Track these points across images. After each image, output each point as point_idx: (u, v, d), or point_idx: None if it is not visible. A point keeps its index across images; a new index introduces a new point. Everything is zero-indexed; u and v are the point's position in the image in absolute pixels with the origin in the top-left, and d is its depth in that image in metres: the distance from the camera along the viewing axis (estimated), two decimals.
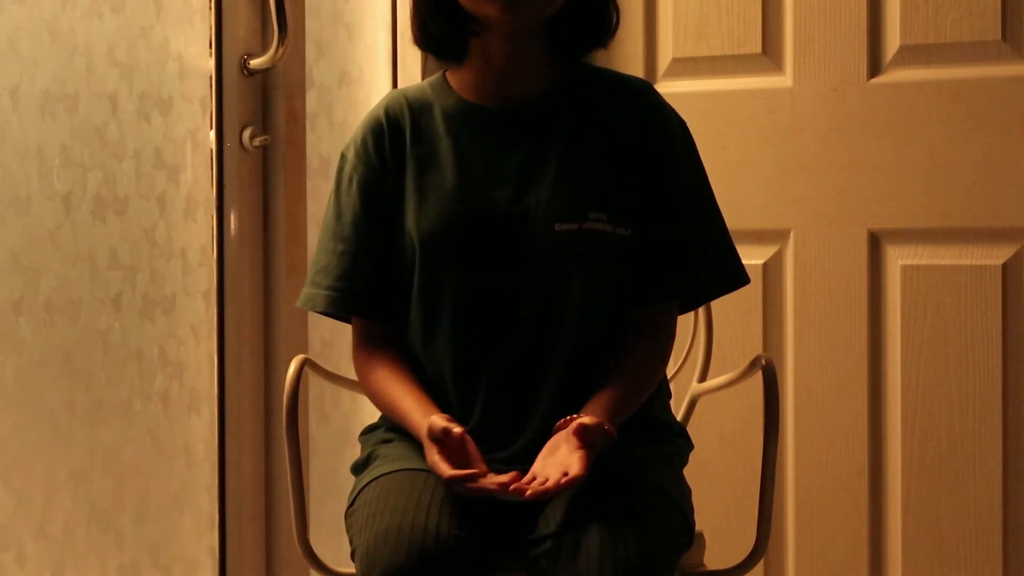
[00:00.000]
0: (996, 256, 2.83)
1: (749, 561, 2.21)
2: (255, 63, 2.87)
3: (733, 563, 2.21)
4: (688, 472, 2.22)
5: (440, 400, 2.12)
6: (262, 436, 2.93)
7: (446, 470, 1.95)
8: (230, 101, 2.86)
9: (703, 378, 2.56)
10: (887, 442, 2.92)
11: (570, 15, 2.12)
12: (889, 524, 2.92)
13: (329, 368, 2.45)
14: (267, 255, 2.93)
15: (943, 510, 2.86)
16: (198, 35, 2.87)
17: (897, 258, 2.90)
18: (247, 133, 2.88)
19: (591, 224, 2.10)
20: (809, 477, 2.97)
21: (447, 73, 2.21)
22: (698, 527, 2.19)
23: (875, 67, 2.92)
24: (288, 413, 2.20)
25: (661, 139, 2.15)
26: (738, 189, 2.95)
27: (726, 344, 2.91)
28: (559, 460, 1.96)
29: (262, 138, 2.89)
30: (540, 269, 2.10)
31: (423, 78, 3.04)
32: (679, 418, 2.48)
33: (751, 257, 2.91)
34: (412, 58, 3.15)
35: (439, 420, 1.99)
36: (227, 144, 2.86)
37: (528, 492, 1.91)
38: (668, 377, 2.26)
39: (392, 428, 2.20)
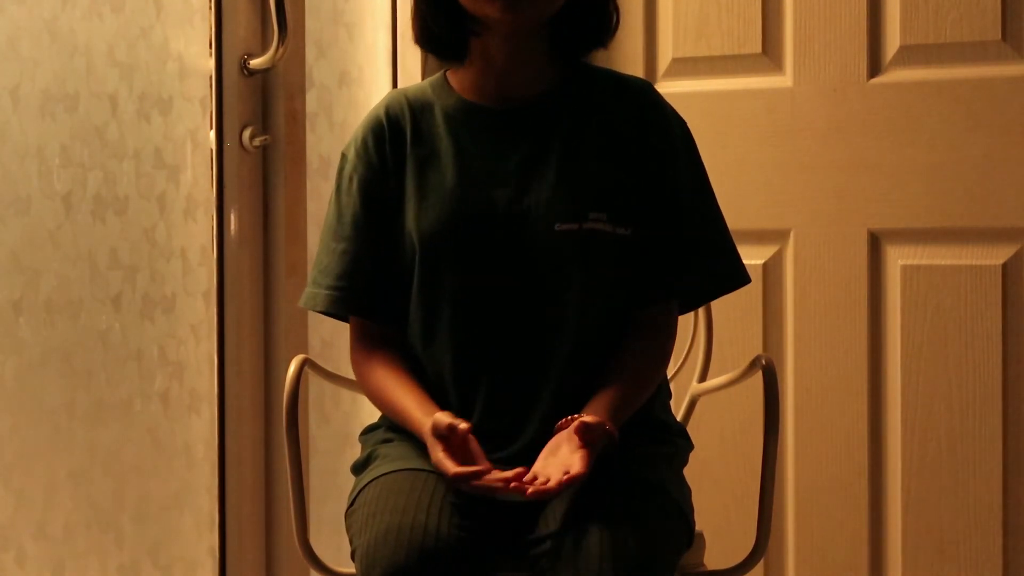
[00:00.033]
0: (996, 256, 2.83)
1: (749, 561, 2.21)
2: (255, 63, 2.87)
3: (733, 563, 2.21)
4: (688, 472, 2.22)
5: (440, 400, 2.12)
6: (262, 436, 2.93)
7: (451, 467, 1.95)
8: (230, 101, 2.86)
9: (703, 378, 2.56)
10: (887, 442, 2.92)
11: (570, 15, 2.12)
12: (889, 524, 2.92)
13: (329, 368, 2.45)
14: (267, 255, 2.93)
15: (943, 510, 2.86)
16: (198, 35, 2.87)
17: (897, 258, 2.90)
18: (247, 133, 2.88)
19: (591, 224, 2.10)
20: (809, 477, 2.97)
21: (447, 73, 2.22)
22: (698, 527, 2.19)
23: (875, 67, 2.92)
24: (288, 413, 2.20)
25: (661, 139, 2.15)
26: (738, 189, 2.95)
27: (726, 344, 2.91)
28: (560, 460, 1.96)
29: (262, 138, 2.89)
30: (540, 269, 2.10)
31: (423, 78, 3.04)
32: (679, 418, 2.48)
33: (751, 257, 2.91)
34: (412, 58, 3.15)
35: (444, 417, 2.00)
36: (227, 144, 2.86)
37: (529, 491, 1.91)
38: (668, 377, 2.26)
39: (392, 428, 2.20)
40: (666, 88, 2.88)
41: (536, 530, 2.01)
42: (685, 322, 2.28)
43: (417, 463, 2.08)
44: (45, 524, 2.63)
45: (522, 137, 2.14)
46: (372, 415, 2.30)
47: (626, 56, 3.08)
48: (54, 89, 2.64)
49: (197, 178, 2.88)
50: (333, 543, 2.91)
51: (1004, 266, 2.82)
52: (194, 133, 2.87)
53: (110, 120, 2.73)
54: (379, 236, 2.17)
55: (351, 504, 2.11)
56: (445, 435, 1.98)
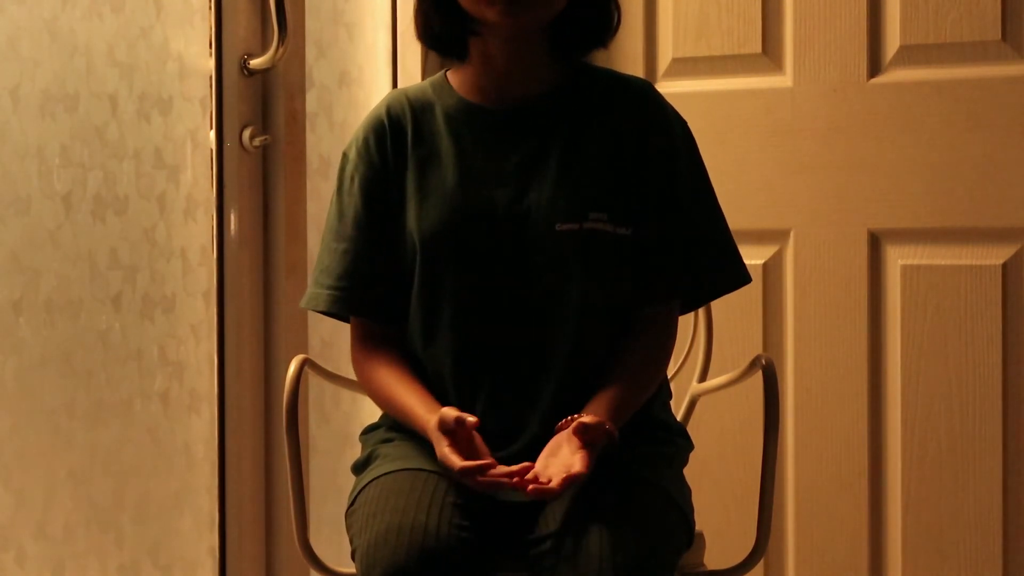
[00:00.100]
0: (996, 256, 2.83)
1: (749, 561, 2.21)
2: (255, 63, 2.87)
3: (733, 563, 2.21)
4: (688, 472, 2.22)
5: (440, 399, 2.12)
6: (262, 436, 2.92)
7: (457, 462, 1.95)
8: (230, 101, 2.86)
9: (703, 378, 2.56)
10: (887, 442, 2.91)
11: (571, 15, 2.12)
12: (889, 524, 2.92)
13: (329, 368, 2.45)
14: (267, 255, 2.93)
15: (943, 510, 2.86)
16: (198, 35, 2.87)
17: (897, 258, 2.90)
18: (247, 133, 2.88)
19: (592, 224, 2.10)
20: (809, 477, 2.97)
21: (448, 73, 2.22)
22: (698, 527, 2.19)
23: (875, 67, 2.92)
24: (288, 413, 2.20)
25: (662, 139, 2.15)
26: (738, 189, 2.95)
27: (726, 344, 2.91)
28: (561, 460, 1.96)
29: (262, 138, 2.89)
30: (541, 269, 2.10)
31: (423, 78, 3.04)
32: (679, 418, 2.48)
33: (751, 257, 2.91)
34: (412, 58, 3.15)
35: (451, 411, 2.00)
36: (227, 144, 2.86)
37: (530, 489, 1.91)
38: (668, 377, 2.25)
39: (393, 428, 2.20)
40: (666, 88, 2.88)
41: (536, 530, 2.01)
42: (685, 322, 2.28)
43: (417, 463, 2.08)
44: (45, 524, 2.63)
45: (523, 137, 2.14)
46: (372, 415, 2.30)
47: (626, 56, 3.08)
48: (54, 89, 2.64)
49: (197, 178, 2.88)
50: (333, 543, 2.91)
51: (1004, 266, 2.82)
52: (194, 133, 2.87)
53: (110, 120, 2.73)
54: (380, 236, 2.17)
55: (351, 504, 2.11)
56: (452, 430, 1.99)
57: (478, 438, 2.01)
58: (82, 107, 2.68)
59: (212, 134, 2.87)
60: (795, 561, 2.99)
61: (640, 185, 2.13)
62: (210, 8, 2.86)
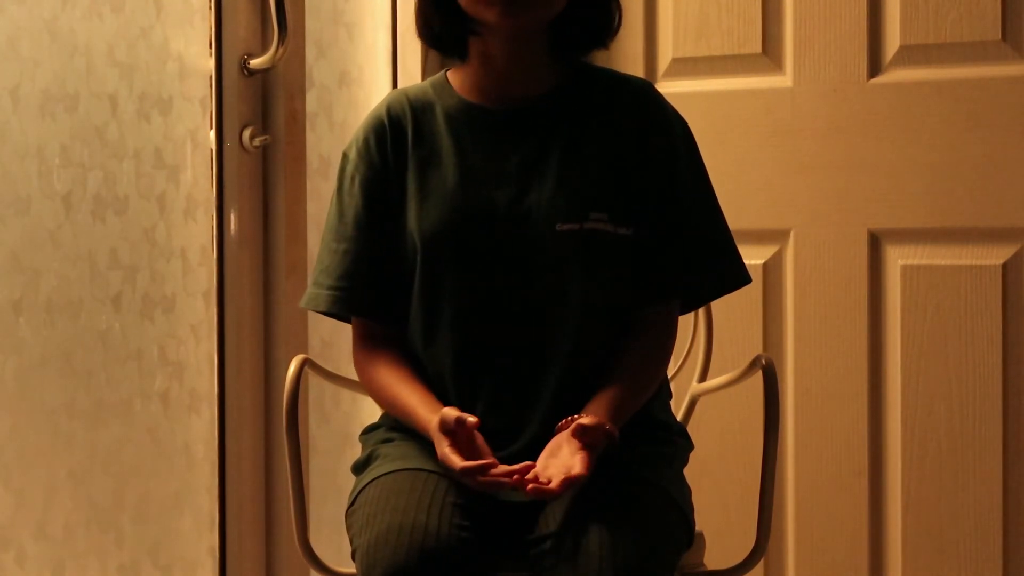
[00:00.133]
0: (996, 256, 2.83)
1: (749, 561, 2.21)
2: (255, 63, 2.87)
3: (733, 563, 2.21)
4: (688, 472, 2.22)
5: (441, 399, 2.12)
6: (262, 436, 2.92)
7: (458, 462, 1.95)
8: (230, 101, 2.86)
9: (703, 378, 2.56)
10: (887, 442, 2.91)
11: (572, 15, 2.12)
12: (889, 524, 2.92)
13: (329, 368, 2.45)
14: (267, 255, 2.93)
15: (943, 510, 2.86)
16: (198, 35, 2.87)
17: (897, 258, 2.90)
18: (247, 133, 2.88)
19: (592, 224, 2.10)
20: (809, 477, 2.97)
21: (448, 73, 2.22)
22: (698, 527, 2.19)
23: (875, 67, 2.92)
24: (288, 413, 2.20)
25: (662, 139, 2.15)
26: (738, 189, 2.95)
27: (726, 344, 2.91)
28: (561, 461, 1.96)
29: (262, 138, 2.89)
30: (541, 269, 2.10)
31: (423, 78, 3.04)
32: (679, 418, 2.48)
33: (751, 257, 2.91)
34: (412, 58, 3.15)
35: (452, 411, 2.00)
36: (227, 144, 2.86)
37: (529, 487, 1.91)
38: (668, 377, 2.25)
39: (393, 428, 2.20)
40: (666, 88, 2.88)
41: (536, 530, 2.01)
42: (685, 322, 2.28)
43: (418, 463, 2.08)
44: (45, 524, 2.63)
45: (523, 137, 2.14)
46: (372, 415, 2.30)
47: (626, 56, 3.08)
48: (54, 89, 2.64)
49: (197, 178, 2.88)
50: (333, 543, 2.91)
51: (1004, 266, 2.82)
52: (194, 133, 2.87)
53: (110, 120, 2.73)
54: (381, 236, 2.17)
55: (351, 504, 2.11)
56: (453, 430, 1.99)
57: (479, 438, 2.01)
58: (82, 107, 2.68)
59: (212, 134, 2.87)
60: (795, 561, 2.99)
61: (640, 185, 2.13)
62: (210, 8, 2.86)
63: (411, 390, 2.12)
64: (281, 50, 2.84)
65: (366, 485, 2.09)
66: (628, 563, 1.92)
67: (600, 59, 2.24)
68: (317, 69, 3.06)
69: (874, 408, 2.92)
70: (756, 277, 2.93)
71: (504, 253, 2.11)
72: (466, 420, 1.98)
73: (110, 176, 2.73)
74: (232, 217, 2.88)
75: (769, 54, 3.00)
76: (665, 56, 3.10)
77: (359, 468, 2.19)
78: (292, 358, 2.27)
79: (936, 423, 2.87)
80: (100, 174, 2.71)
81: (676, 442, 2.21)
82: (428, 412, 2.05)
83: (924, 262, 2.88)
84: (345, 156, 2.21)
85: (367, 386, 2.20)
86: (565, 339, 2.11)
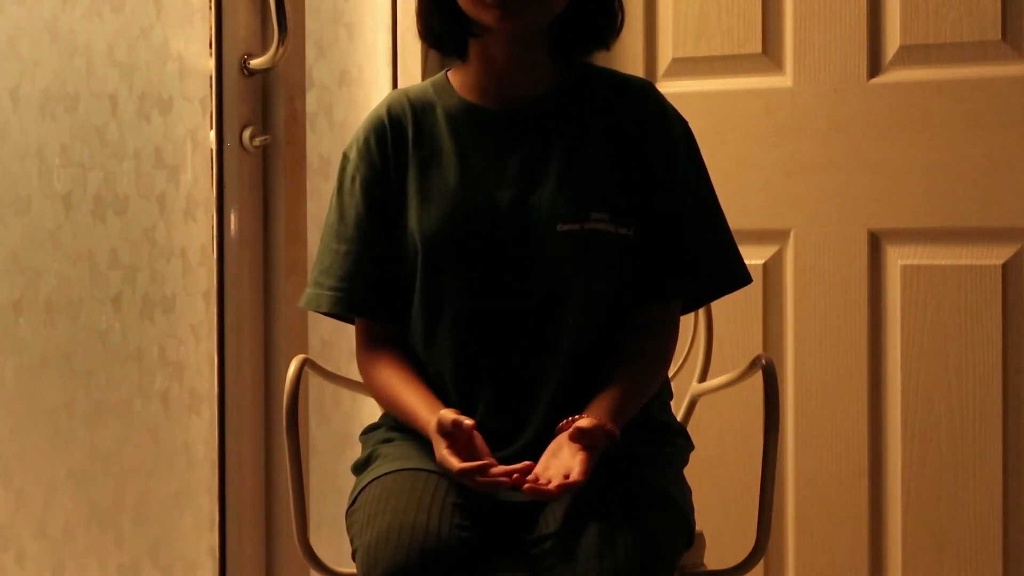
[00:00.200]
0: (996, 256, 2.83)
1: (749, 561, 2.21)
2: (255, 63, 2.87)
3: (733, 563, 2.21)
4: (688, 472, 2.22)
5: (441, 399, 2.12)
6: (262, 436, 2.92)
7: (456, 463, 1.95)
8: (230, 101, 2.86)
9: (703, 378, 2.56)
10: (887, 442, 2.91)
11: (574, 16, 2.12)
12: (889, 524, 2.92)
13: (329, 368, 2.45)
14: (267, 255, 2.93)
15: (943, 510, 2.86)
16: (198, 35, 2.87)
17: (897, 258, 2.90)
18: (247, 133, 2.88)
19: (593, 224, 2.10)
20: (809, 477, 2.97)
21: (449, 73, 2.22)
22: (698, 527, 2.19)
23: (875, 67, 2.92)
24: (288, 413, 2.20)
25: (663, 139, 2.15)
26: (738, 189, 2.95)
27: (726, 344, 2.91)
28: (562, 462, 1.96)
29: (262, 138, 2.89)
30: (542, 270, 2.10)
31: (423, 78, 3.04)
32: (679, 418, 2.48)
33: (751, 257, 2.91)
34: (412, 58, 3.15)
35: (449, 414, 2.00)
36: (227, 144, 2.86)
37: (526, 487, 1.91)
38: (668, 377, 2.25)
39: (393, 428, 2.20)
40: (666, 88, 2.88)
41: (536, 530, 2.01)
42: (685, 322, 2.28)
43: (418, 463, 2.08)
44: (45, 524, 2.63)
45: (523, 138, 2.14)
46: (372, 415, 2.30)
47: (626, 56, 3.08)
48: (54, 89, 2.64)
49: (197, 178, 2.88)
50: (333, 543, 2.91)
51: (1004, 266, 2.82)
52: (194, 133, 2.87)
53: (110, 120, 2.73)
54: (382, 236, 2.17)
55: (352, 504, 2.11)
56: (450, 432, 1.99)
57: (478, 438, 2.01)
58: (82, 107, 2.68)
59: (212, 134, 2.87)
60: (795, 561, 2.99)
61: (641, 185, 2.13)
62: (210, 8, 2.86)
63: (411, 391, 2.12)
64: (281, 50, 2.84)
65: (366, 485, 2.09)
66: (628, 563, 1.92)
67: (600, 59, 2.24)
68: (317, 69, 3.06)
69: (874, 408, 2.92)
70: (756, 277, 2.93)
71: (505, 254, 2.11)
72: (463, 422, 1.98)
73: (110, 176, 2.73)
74: (232, 217, 2.88)
75: (769, 54, 3.00)
76: (665, 56, 3.10)
77: (359, 468, 2.19)
78: (292, 358, 2.27)
79: (936, 423, 2.87)
80: (100, 174, 2.71)
81: (676, 442, 2.21)
82: (428, 413, 2.05)
83: (924, 262, 2.88)
84: (345, 156, 2.21)
85: (369, 386, 2.20)
86: (566, 339, 2.11)
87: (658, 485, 2.07)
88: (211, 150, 2.88)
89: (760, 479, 2.22)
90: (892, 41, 2.90)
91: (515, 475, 1.92)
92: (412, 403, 2.10)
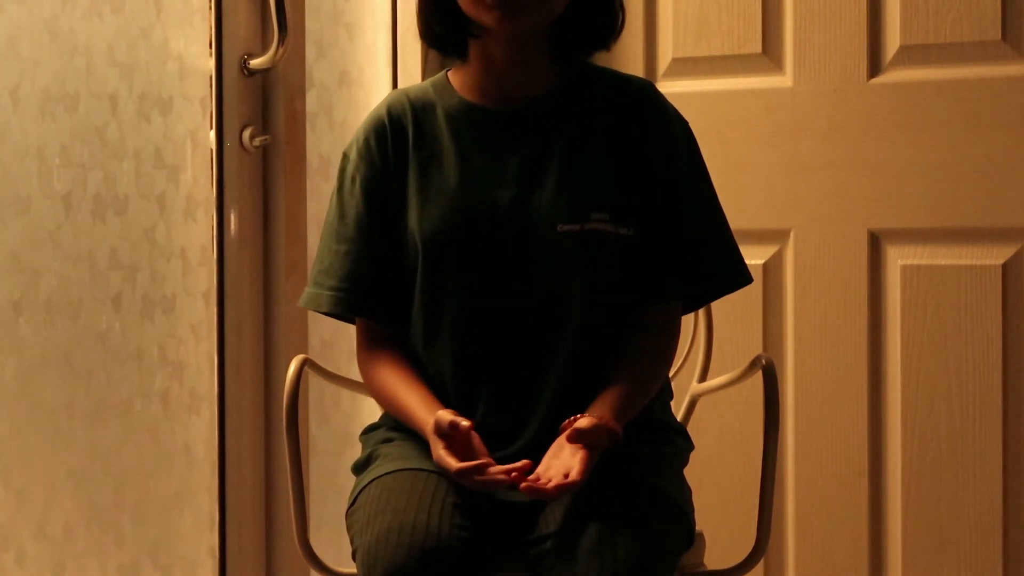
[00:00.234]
0: (996, 256, 2.83)
1: (749, 561, 2.21)
2: (255, 63, 2.87)
3: (733, 563, 2.21)
4: (688, 472, 2.22)
5: (441, 399, 2.12)
6: (262, 436, 2.92)
7: (453, 463, 1.95)
8: (230, 101, 2.86)
9: (703, 378, 2.56)
10: (887, 442, 2.91)
11: (574, 16, 2.12)
12: (889, 524, 2.92)
13: (329, 368, 2.45)
14: (267, 255, 2.93)
15: (943, 510, 2.86)
16: (198, 35, 2.87)
17: (897, 258, 2.90)
18: (247, 133, 2.88)
19: (593, 224, 2.10)
20: (809, 477, 2.97)
21: (449, 73, 2.22)
22: (698, 527, 2.19)
23: (875, 67, 2.92)
24: (288, 413, 2.20)
25: (663, 139, 2.15)
26: (738, 189, 2.95)
27: (726, 344, 2.91)
28: (563, 462, 1.96)
29: (262, 138, 2.89)
30: (542, 270, 2.10)
31: (423, 78, 3.04)
32: (679, 418, 2.48)
33: (751, 257, 2.90)
34: (412, 58, 3.15)
35: (446, 414, 2.00)
36: (227, 144, 2.86)
37: (524, 486, 1.91)
38: (669, 377, 2.25)
39: (393, 427, 2.20)
40: (666, 88, 2.88)
41: (536, 530, 2.01)
42: (685, 322, 2.28)
43: (418, 463, 2.08)
44: (45, 524, 2.63)
45: (524, 138, 2.14)
46: (372, 415, 2.30)
47: (626, 56, 3.08)
48: (54, 89, 2.64)
49: (197, 178, 2.88)
50: (333, 543, 2.91)
51: (1004, 266, 2.82)
52: (194, 133, 2.87)
53: (110, 120, 2.73)
54: (382, 236, 2.17)
55: (352, 504, 2.11)
56: (447, 433, 1.99)
57: (476, 438, 2.01)
58: (82, 107, 2.68)
59: (212, 134, 2.87)
60: (795, 561, 2.99)
61: (642, 185, 2.13)
62: (210, 8, 2.86)
63: (410, 391, 2.12)
64: (281, 50, 2.84)
65: (366, 485, 2.09)
66: (628, 563, 1.92)
67: (600, 59, 2.24)
68: (317, 69, 3.06)
69: (874, 408, 2.92)
70: (756, 277, 2.93)
71: (505, 254, 2.11)
72: (460, 423, 1.98)
73: (110, 176, 2.73)
74: (232, 217, 2.88)
75: (769, 54, 3.00)
76: (665, 56, 3.10)
77: (359, 468, 2.19)
78: (292, 358, 2.27)
79: (936, 423, 2.87)
80: (100, 174, 2.71)
81: (676, 442, 2.21)
82: (426, 413, 2.05)
83: (924, 262, 2.88)
84: (345, 156, 2.21)
85: (368, 386, 2.20)
86: (566, 339, 2.11)
87: (658, 485, 2.07)
88: (211, 150, 2.88)
89: (760, 479, 2.22)
90: (892, 41, 2.90)
91: (514, 474, 1.92)
92: (410, 403, 2.10)
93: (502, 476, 1.93)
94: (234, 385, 2.88)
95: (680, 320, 2.19)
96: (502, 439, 2.09)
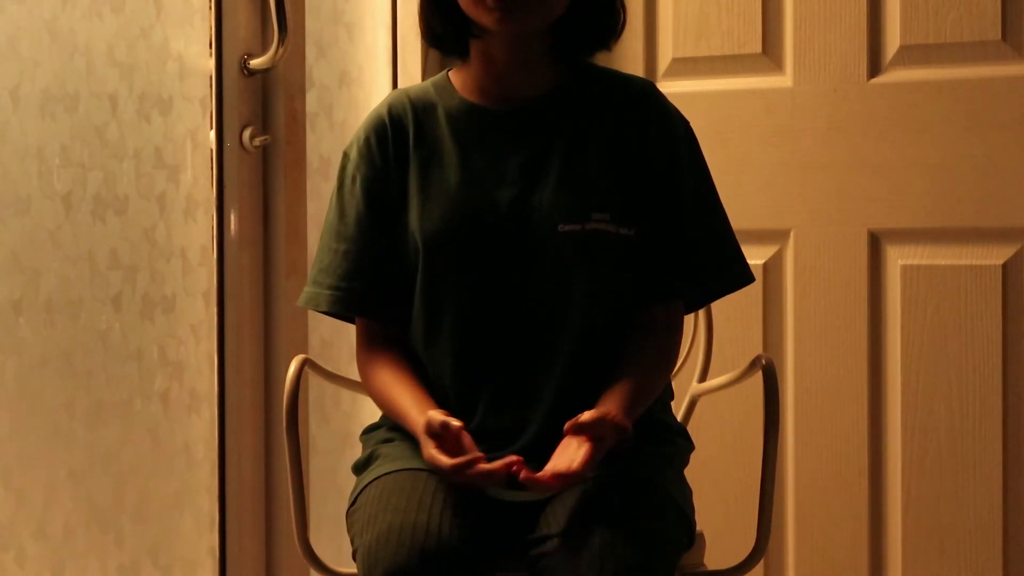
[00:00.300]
0: (996, 256, 2.83)
1: (749, 561, 2.21)
2: (255, 63, 2.87)
3: (733, 563, 2.21)
4: (688, 472, 2.22)
5: (441, 399, 2.12)
6: (262, 436, 2.92)
7: (445, 461, 1.95)
8: (230, 101, 2.86)
9: (703, 378, 2.56)
10: (887, 442, 2.91)
11: (574, 17, 2.12)
12: (889, 524, 2.92)
13: (329, 368, 2.45)
14: (267, 255, 2.93)
15: (943, 510, 2.86)
16: (198, 35, 2.87)
17: (897, 258, 2.90)
18: (247, 133, 2.88)
19: (594, 224, 2.10)
20: (809, 477, 2.97)
21: (450, 73, 2.22)
22: (698, 527, 2.19)
23: (875, 67, 2.92)
24: (288, 413, 2.20)
25: (664, 138, 2.15)
26: (738, 189, 2.95)
27: (726, 344, 2.91)
28: (567, 455, 1.96)
29: (262, 138, 2.89)
30: (543, 270, 2.10)
31: (423, 78, 3.04)
32: (679, 418, 2.48)
33: (751, 257, 2.89)
34: (412, 58, 3.15)
35: (437, 415, 1.99)
36: (227, 144, 2.86)
37: (522, 475, 1.90)
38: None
39: (393, 428, 2.20)
40: (666, 88, 2.88)
41: (536, 530, 2.01)
42: (686, 322, 2.28)
43: (418, 463, 2.08)
44: (45, 524, 2.63)
45: (524, 138, 2.14)
46: (372, 415, 2.30)
47: (626, 56, 3.08)
48: (54, 89, 2.64)
49: (197, 178, 2.88)
50: (333, 543, 2.91)
51: (1004, 266, 2.82)
52: (194, 133, 2.87)
53: (110, 120, 2.73)
54: (382, 236, 2.17)
55: (352, 504, 2.11)
56: (439, 433, 1.98)
57: (467, 438, 2.00)
58: (82, 107, 2.68)
59: (212, 134, 2.87)
60: (795, 561, 2.99)
61: (642, 185, 2.13)
62: (210, 8, 2.86)
63: (404, 391, 2.12)
64: (281, 50, 2.84)
65: (367, 485, 2.09)
66: (628, 563, 1.92)
67: (600, 59, 2.24)
68: (317, 69, 3.06)
69: (874, 408, 2.92)
70: (756, 277, 2.93)
71: (506, 254, 2.11)
72: (450, 424, 1.98)
73: (110, 176, 2.73)
74: (232, 217, 2.88)
75: (769, 54, 3.00)
76: (665, 56, 3.10)
77: (359, 468, 2.19)
78: (292, 358, 2.27)
79: (936, 423, 2.87)
80: (100, 174, 2.71)
81: (676, 442, 2.21)
82: (418, 414, 2.05)
83: (924, 262, 2.88)
84: (346, 156, 2.21)
85: (367, 388, 2.20)
86: (567, 339, 2.11)
87: (658, 485, 2.07)
88: (211, 150, 2.88)
89: (760, 479, 2.22)
90: (892, 41, 2.90)
91: (514, 467, 1.92)
92: (403, 403, 2.10)
93: (496, 468, 1.92)
94: (234, 385, 2.89)
95: (682, 320, 2.19)
96: (503, 439, 2.09)
